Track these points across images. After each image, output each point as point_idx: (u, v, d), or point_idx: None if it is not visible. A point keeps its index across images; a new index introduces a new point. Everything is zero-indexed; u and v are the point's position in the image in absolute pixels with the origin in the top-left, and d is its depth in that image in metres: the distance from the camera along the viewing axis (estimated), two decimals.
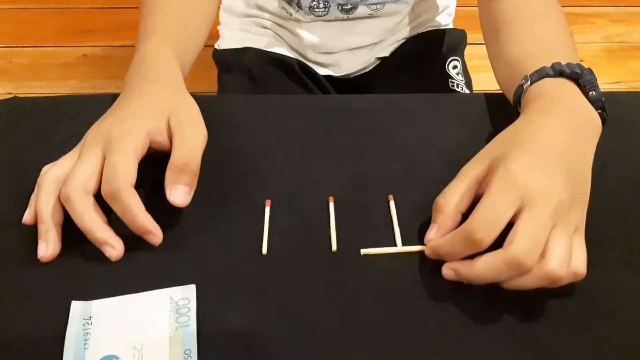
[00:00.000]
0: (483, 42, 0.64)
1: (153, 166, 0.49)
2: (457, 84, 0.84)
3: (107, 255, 0.46)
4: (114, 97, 0.53)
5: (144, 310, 0.43)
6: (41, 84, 1.20)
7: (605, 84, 1.19)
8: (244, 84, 0.86)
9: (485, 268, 0.41)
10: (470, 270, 0.42)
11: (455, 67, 0.87)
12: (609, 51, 1.25)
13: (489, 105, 0.60)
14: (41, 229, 0.46)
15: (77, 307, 0.43)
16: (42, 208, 0.46)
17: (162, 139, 0.48)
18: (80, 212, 0.45)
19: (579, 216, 0.43)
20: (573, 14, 1.37)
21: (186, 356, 0.40)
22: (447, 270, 0.44)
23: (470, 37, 0.90)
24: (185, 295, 0.44)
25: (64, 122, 0.58)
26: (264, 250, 0.47)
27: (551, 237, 0.40)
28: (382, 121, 0.58)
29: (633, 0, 1.41)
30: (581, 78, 0.49)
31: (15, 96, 0.62)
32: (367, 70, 0.89)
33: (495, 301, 0.43)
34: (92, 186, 0.45)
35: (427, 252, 0.46)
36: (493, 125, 0.57)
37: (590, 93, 0.49)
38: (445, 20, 0.92)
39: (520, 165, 0.42)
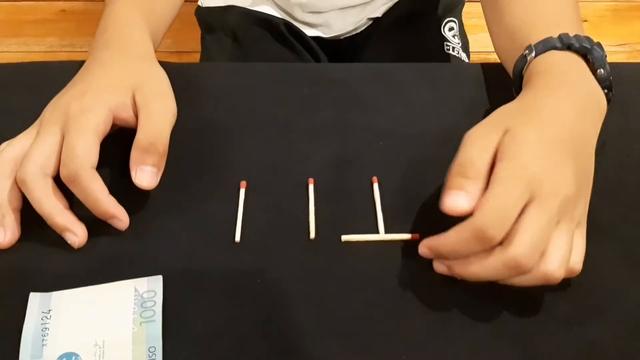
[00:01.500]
0: None
1: (118, 144, 0.45)
2: (453, 47, 0.80)
3: (69, 242, 0.43)
4: (81, 64, 0.49)
5: (107, 303, 0.40)
6: (17, 41, 1.15)
7: (609, 47, 1.14)
8: (227, 45, 0.82)
9: (481, 267, 0.38)
10: (465, 268, 0.39)
11: (451, 28, 0.82)
12: (615, 10, 1.19)
13: (484, 76, 0.56)
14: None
15: (35, 299, 0.40)
16: None
17: (126, 115, 0.45)
18: (38, 196, 0.42)
19: (582, 210, 0.40)
20: None
21: (150, 354, 0.38)
22: (439, 265, 0.41)
23: None
24: (151, 287, 0.41)
25: (28, 92, 0.54)
26: (237, 238, 0.44)
27: (554, 235, 0.37)
28: (369, 95, 0.54)
29: None
30: (590, 54, 0.46)
31: None
32: (358, 31, 0.85)
33: (481, 294, 0.41)
34: (50, 168, 0.42)
35: (423, 251, 0.41)
36: (488, 101, 0.54)
37: (598, 71, 0.45)
38: None
39: (531, 152, 0.38)
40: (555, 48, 0.46)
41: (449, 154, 0.48)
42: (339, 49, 0.86)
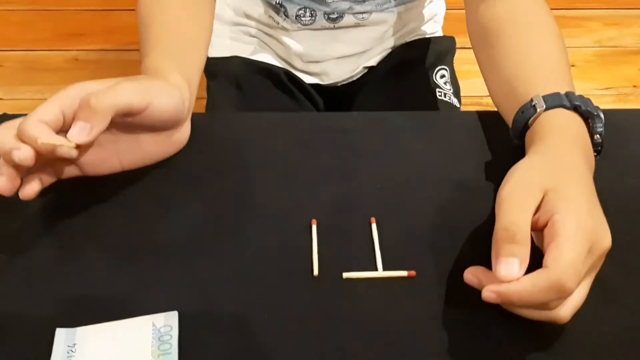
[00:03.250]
0: None
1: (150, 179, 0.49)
2: (445, 93, 0.85)
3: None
4: None
5: (127, 337, 0.44)
6: (32, 89, 1.20)
7: (596, 90, 1.19)
8: (231, 93, 0.86)
9: (526, 288, 0.39)
10: (510, 289, 0.39)
11: (443, 76, 0.87)
12: (601, 55, 1.25)
13: (474, 124, 0.60)
14: None
15: (61, 334, 0.44)
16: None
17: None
18: (25, 125, 0.43)
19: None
20: (565, 17, 1.37)
21: None
22: (489, 294, 0.40)
23: (460, 42, 0.90)
24: (168, 322, 0.44)
25: None
26: (247, 275, 0.47)
27: (581, 285, 0.41)
28: (366, 141, 0.58)
29: (626, 3, 1.40)
30: (591, 119, 0.50)
31: (4, 114, 0.62)
32: (354, 79, 0.90)
33: (476, 328, 0.44)
34: (45, 118, 0.44)
35: (490, 296, 0.40)
36: (479, 147, 0.57)
37: (595, 136, 0.50)
38: (432, 28, 0.92)
39: (583, 208, 0.41)
40: (564, 107, 0.49)
41: (441, 195, 0.52)
42: (336, 95, 0.90)
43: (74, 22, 1.36)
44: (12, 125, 0.44)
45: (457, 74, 0.91)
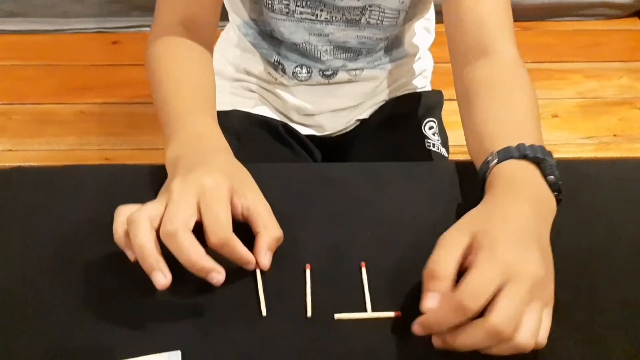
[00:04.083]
0: None
1: None
2: (433, 144, 0.89)
3: (213, 282, 0.49)
4: (104, 168, 0.57)
5: None
6: (40, 141, 1.25)
7: (579, 139, 1.24)
8: (232, 144, 0.90)
9: (468, 337, 0.44)
10: (455, 339, 0.45)
11: (431, 127, 0.91)
12: (583, 107, 1.30)
13: (460, 174, 0.64)
14: (151, 261, 0.47)
15: None
16: (144, 242, 0.47)
17: (237, 202, 0.53)
18: (187, 245, 0.47)
19: (551, 291, 0.47)
20: (550, 69, 1.43)
21: None
22: (436, 339, 0.46)
23: (449, 94, 0.95)
24: None
25: (61, 194, 0.62)
26: (245, 316, 0.51)
27: (526, 311, 0.44)
28: (358, 190, 0.62)
29: (606, 56, 1.47)
30: (542, 162, 0.54)
31: (19, 166, 0.66)
32: (348, 130, 0.94)
33: None
34: (190, 226, 0.49)
35: (416, 328, 0.46)
36: (463, 195, 0.61)
37: (548, 177, 0.53)
38: (421, 83, 0.97)
39: (503, 243, 0.46)
40: (513, 157, 0.54)
41: (427, 241, 0.55)
42: (331, 146, 0.95)
43: (80, 76, 1.43)
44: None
45: (446, 125, 0.95)
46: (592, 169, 0.63)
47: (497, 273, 0.44)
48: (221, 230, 0.49)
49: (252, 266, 0.52)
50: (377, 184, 0.63)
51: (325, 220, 0.59)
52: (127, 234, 0.49)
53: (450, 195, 0.61)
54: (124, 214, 0.50)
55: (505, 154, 0.54)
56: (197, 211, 0.49)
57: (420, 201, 0.61)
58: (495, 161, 0.55)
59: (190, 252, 0.47)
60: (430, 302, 0.46)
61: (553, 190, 0.53)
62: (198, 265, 0.47)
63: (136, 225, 0.48)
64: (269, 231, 0.53)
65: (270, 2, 0.79)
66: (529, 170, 0.53)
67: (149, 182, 0.60)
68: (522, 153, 0.54)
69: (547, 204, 0.52)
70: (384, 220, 0.59)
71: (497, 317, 0.43)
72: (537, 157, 0.53)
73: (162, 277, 0.47)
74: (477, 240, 0.47)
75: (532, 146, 0.54)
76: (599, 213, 0.60)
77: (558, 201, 0.54)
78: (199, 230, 0.49)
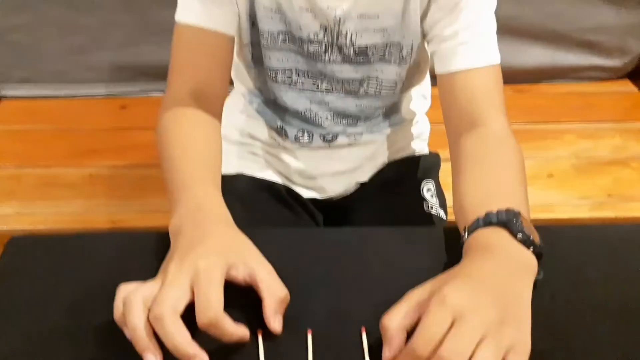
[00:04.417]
0: None
1: None
2: (432, 206, 0.92)
3: None
4: (113, 235, 0.60)
5: None
6: (48, 204, 1.27)
7: (574, 199, 1.26)
8: (236, 208, 0.91)
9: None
10: None
11: (429, 189, 0.94)
12: (577, 167, 1.33)
13: (455, 238, 0.66)
14: (143, 343, 0.49)
15: None
16: (136, 324, 0.49)
17: (235, 273, 0.54)
18: (172, 330, 0.49)
19: (515, 335, 0.46)
20: (544, 130, 1.47)
21: None
22: None
23: (447, 155, 0.97)
24: None
25: (72, 260, 0.64)
26: None
27: (478, 347, 0.45)
28: (358, 254, 0.64)
29: (599, 117, 1.52)
30: (508, 224, 0.56)
31: (31, 232, 0.68)
32: (348, 193, 0.97)
33: None
34: (180, 309, 0.50)
35: None
36: (459, 259, 0.63)
37: (517, 235, 0.55)
38: (419, 146, 1.01)
39: (452, 290, 0.48)
40: (479, 227, 0.57)
41: None
42: (332, 209, 0.97)
43: (88, 140, 1.46)
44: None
45: (444, 185, 0.97)
46: (584, 233, 0.66)
47: (443, 317, 0.46)
48: (211, 311, 0.50)
49: (246, 338, 0.52)
50: (377, 248, 0.65)
51: (326, 284, 0.61)
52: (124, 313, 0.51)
53: (448, 260, 0.63)
54: (123, 292, 0.52)
55: (475, 225, 0.58)
56: (190, 292, 0.51)
57: (419, 264, 0.63)
58: (466, 236, 0.58)
59: (175, 337, 0.48)
60: (384, 353, 0.49)
61: (528, 247, 0.55)
62: (181, 350, 0.49)
63: (130, 307, 0.50)
64: (273, 294, 0.54)
65: (274, 74, 0.84)
66: (497, 233, 0.56)
67: (155, 249, 0.62)
68: (487, 221, 0.57)
69: (521, 260, 0.54)
70: (384, 285, 0.60)
71: (444, 349, 0.44)
72: (501, 221, 0.56)
73: (152, 358, 0.49)
74: (434, 293, 0.49)
75: (497, 212, 0.57)
76: (591, 277, 0.62)
77: (539, 256, 0.55)
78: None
